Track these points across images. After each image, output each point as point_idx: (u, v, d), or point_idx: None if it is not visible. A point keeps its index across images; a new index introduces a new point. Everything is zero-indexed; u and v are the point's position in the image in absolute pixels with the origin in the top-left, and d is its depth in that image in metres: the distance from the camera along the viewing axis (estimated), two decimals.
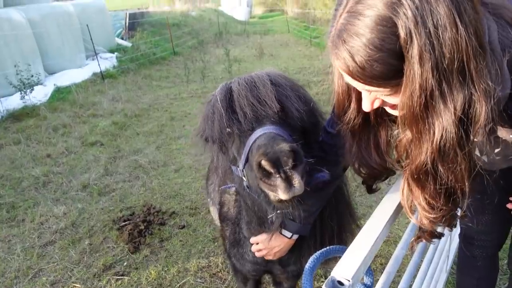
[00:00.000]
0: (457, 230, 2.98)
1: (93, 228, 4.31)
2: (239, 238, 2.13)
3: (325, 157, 1.70)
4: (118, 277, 3.55)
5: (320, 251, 1.14)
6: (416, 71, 0.89)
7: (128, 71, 12.11)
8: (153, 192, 4.98)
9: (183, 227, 4.22)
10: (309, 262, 1.09)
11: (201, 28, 22.01)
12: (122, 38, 16.42)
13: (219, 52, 15.98)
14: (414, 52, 0.88)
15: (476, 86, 0.89)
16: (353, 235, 2.18)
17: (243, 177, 1.55)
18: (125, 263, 3.72)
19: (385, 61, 0.92)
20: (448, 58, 0.86)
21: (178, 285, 3.40)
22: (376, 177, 1.47)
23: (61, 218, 4.51)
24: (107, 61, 12.62)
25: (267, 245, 1.88)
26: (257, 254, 1.97)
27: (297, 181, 1.23)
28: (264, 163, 1.23)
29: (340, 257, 1.08)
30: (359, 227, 2.21)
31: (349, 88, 1.20)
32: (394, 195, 1.38)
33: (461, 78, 0.89)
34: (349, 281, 0.93)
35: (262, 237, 1.90)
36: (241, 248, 2.16)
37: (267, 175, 1.25)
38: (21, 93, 8.42)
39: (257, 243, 1.94)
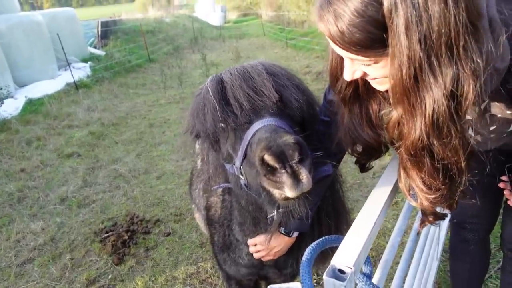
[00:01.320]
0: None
1: (74, 242, 4.12)
2: (230, 241, 2.02)
3: (320, 147, 1.66)
4: None
5: (316, 241, 1.09)
6: (403, 42, 0.87)
7: (103, 80, 11.82)
8: (135, 201, 4.83)
9: (169, 234, 4.10)
10: (305, 254, 1.03)
11: (176, 34, 21.80)
12: (95, 47, 16.05)
13: (195, 57, 15.84)
14: (399, 22, 0.86)
15: (464, 64, 0.87)
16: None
17: (240, 175, 1.45)
18: (109, 276, 3.57)
19: (365, 28, 0.91)
20: (436, 32, 0.84)
21: None
22: (370, 153, 1.45)
23: (39, 234, 4.31)
24: (81, 71, 12.28)
25: (266, 245, 1.79)
26: (256, 256, 1.88)
27: (305, 176, 1.14)
28: (267, 157, 1.14)
29: (336, 247, 1.03)
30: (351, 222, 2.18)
31: (340, 56, 1.17)
32: (388, 178, 1.35)
33: (449, 54, 0.87)
34: (350, 268, 0.88)
35: (260, 238, 1.81)
36: (232, 253, 2.04)
37: (271, 171, 1.15)
38: None
39: (255, 244, 1.85)
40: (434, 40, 0.85)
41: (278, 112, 1.42)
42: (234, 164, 1.48)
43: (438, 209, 1.29)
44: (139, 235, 4.09)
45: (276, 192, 1.22)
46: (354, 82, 1.24)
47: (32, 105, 9.09)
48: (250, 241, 1.87)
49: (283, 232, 1.78)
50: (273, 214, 1.58)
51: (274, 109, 1.41)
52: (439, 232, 2.74)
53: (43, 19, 12.01)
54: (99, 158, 6.26)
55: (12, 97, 9.46)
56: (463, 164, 1.03)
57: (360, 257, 0.94)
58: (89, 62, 13.32)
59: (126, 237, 4.02)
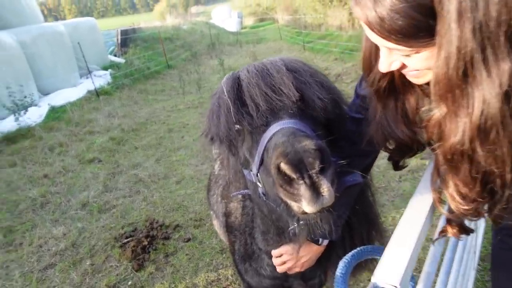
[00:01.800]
0: (481, 224, 2.81)
1: (94, 247, 4.11)
2: (252, 250, 1.88)
3: (351, 148, 1.55)
4: None
5: (350, 253, 0.97)
6: (454, 31, 0.76)
7: (123, 87, 11.98)
8: (155, 206, 4.80)
9: (189, 240, 4.03)
10: (339, 268, 0.91)
11: (193, 40, 22.00)
12: (115, 55, 16.35)
13: (213, 63, 15.91)
14: (451, 8, 0.75)
15: None
16: (382, 240, 2.00)
17: (258, 183, 1.32)
18: (129, 282, 3.52)
19: (409, 14, 0.80)
20: (494, 19, 0.73)
21: None
22: (404, 151, 1.33)
23: (61, 239, 4.32)
24: (101, 79, 12.50)
25: (293, 256, 1.66)
26: (281, 269, 1.74)
27: (326, 188, 1.00)
28: (284, 166, 1.01)
29: (372, 259, 0.91)
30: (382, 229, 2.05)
31: (375, 45, 1.06)
32: (428, 182, 1.22)
33: (509, 46, 0.75)
34: (396, 287, 0.77)
35: (286, 248, 1.67)
36: (254, 263, 1.90)
37: (288, 181, 1.03)
38: (14, 115, 8.27)
39: (281, 255, 1.71)
40: (492, 29, 0.74)
41: (299, 113, 1.29)
42: (251, 171, 1.36)
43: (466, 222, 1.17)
44: (158, 241, 4.04)
45: (294, 205, 1.09)
46: (390, 74, 1.13)
47: (55, 113, 9.27)
48: (275, 252, 1.73)
49: (311, 240, 1.66)
50: (294, 226, 1.46)
51: (295, 109, 1.28)
52: (476, 239, 2.55)
53: (65, 29, 12.31)
54: (119, 164, 6.28)
55: (36, 105, 9.69)
56: (508, 177, 0.89)
57: (406, 274, 0.82)
58: (109, 70, 13.55)
59: (146, 243, 3.97)
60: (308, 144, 1.02)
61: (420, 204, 1.08)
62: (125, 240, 4.09)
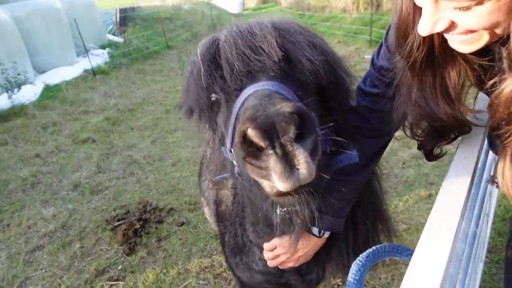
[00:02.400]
0: (490, 215, 2.64)
1: (84, 230, 3.96)
2: (243, 243, 1.69)
3: (365, 126, 1.35)
4: (113, 283, 3.21)
5: (364, 254, 0.78)
6: None
7: (121, 67, 11.69)
8: (149, 188, 4.63)
9: (182, 224, 3.88)
10: (352, 273, 0.73)
11: (194, 21, 21.50)
12: (113, 34, 15.95)
13: None
14: None
15: None
16: (389, 234, 1.82)
17: (233, 161, 1.11)
18: (119, 267, 3.38)
19: None
20: None
21: None
22: (441, 135, 1.13)
23: (50, 221, 4.16)
24: (99, 58, 12.18)
25: (288, 249, 1.47)
26: (272, 263, 1.55)
27: (302, 160, 0.79)
28: (250, 132, 0.80)
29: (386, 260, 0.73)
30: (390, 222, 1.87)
31: (415, 4, 0.85)
32: (459, 171, 1.03)
33: None
34: None
35: (280, 240, 1.48)
36: (246, 256, 1.71)
37: (255, 153, 0.82)
38: (7, 93, 8.03)
39: (274, 248, 1.52)
40: None
41: (282, 76, 1.07)
42: (226, 146, 1.16)
43: None
44: (151, 224, 3.89)
45: (265, 184, 0.87)
46: (428, 42, 0.93)
47: (49, 91, 9.03)
48: (267, 245, 1.53)
49: (312, 231, 1.46)
50: (276, 215, 1.23)
51: (277, 71, 1.06)
52: (487, 231, 2.38)
53: (62, 5, 11.92)
54: (114, 144, 6.10)
55: (30, 83, 9.44)
56: None
57: (444, 283, 0.63)
58: (107, 49, 13.22)
59: (138, 226, 3.82)
60: (284, 106, 0.80)
61: (450, 199, 0.89)
62: (117, 223, 3.93)
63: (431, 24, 0.78)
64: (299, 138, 0.81)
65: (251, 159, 0.82)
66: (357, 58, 9.68)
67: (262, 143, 0.79)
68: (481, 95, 1.27)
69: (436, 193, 3.40)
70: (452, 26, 0.78)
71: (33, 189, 4.92)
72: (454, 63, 0.96)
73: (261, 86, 0.98)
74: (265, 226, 1.50)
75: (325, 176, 0.97)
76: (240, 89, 1.05)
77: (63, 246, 3.75)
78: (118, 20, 16.62)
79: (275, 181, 0.81)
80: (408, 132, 1.23)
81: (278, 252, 1.51)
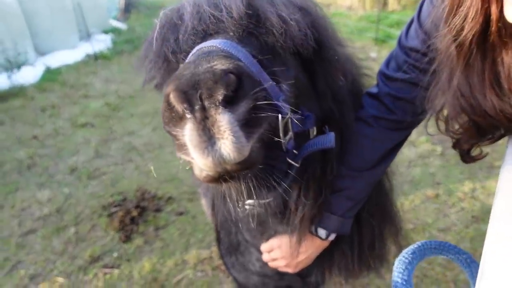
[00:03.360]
0: None
1: (80, 215, 3.85)
2: (237, 241, 1.57)
3: (387, 117, 1.22)
4: (107, 270, 3.11)
5: (409, 249, 0.68)
6: None
7: (123, 53, 11.51)
8: (147, 176, 4.52)
9: (181, 213, 3.77)
10: (399, 271, 0.62)
11: None
12: (117, 21, 15.76)
13: None
14: None
15: None
16: (397, 239, 1.71)
17: None
18: (115, 254, 3.28)
19: None
20: None
21: (175, 279, 2.96)
22: (482, 133, 0.96)
23: (45, 204, 4.05)
24: (101, 43, 11.99)
25: (287, 253, 1.33)
26: (271, 265, 1.43)
27: (224, 129, 0.63)
28: (172, 95, 0.64)
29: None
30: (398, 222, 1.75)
31: None
32: None
33: None
34: None
35: (279, 241, 1.34)
36: (241, 256, 1.59)
37: (174, 118, 0.66)
38: (7, 72, 7.88)
39: (271, 250, 1.39)
40: None
41: (244, 37, 0.89)
42: None
43: None
44: (149, 213, 3.78)
45: (193, 165, 0.73)
46: (485, 14, 0.78)
47: (50, 74, 8.87)
48: (264, 247, 1.40)
49: (318, 233, 1.32)
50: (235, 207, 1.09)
51: (239, 32, 0.88)
52: None
53: None
54: (113, 130, 5.96)
55: (31, 64, 9.27)
56: None
57: None
58: (110, 34, 13.04)
59: (136, 214, 3.71)
60: (219, 63, 0.65)
61: None
62: (113, 210, 3.83)
63: None
64: (231, 104, 0.64)
65: (170, 126, 0.67)
66: (362, 55, 9.54)
67: (179, 106, 0.63)
68: None
69: (443, 193, 3.29)
70: None
71: (28, 171, 4.79)
72: (510, 46, 0.80)
73: (208, 43, 0.82)
74: (257, 224, 1.32)
75: (294, 163, 0.83)
76: (190, 51, 0.89)
77: (57, 230, 3.64)
78: (123, 6, 16.43)
79: (191, 154, 0.65)
80: (442, 128, 1.07)
81: (276, 255, 1.37)
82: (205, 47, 0.81)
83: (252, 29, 0.90)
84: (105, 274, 3.08)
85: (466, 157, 1.06)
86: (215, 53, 0.74)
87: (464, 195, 3.65)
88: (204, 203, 2.22)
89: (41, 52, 10.44)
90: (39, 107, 6.86)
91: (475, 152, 1.05)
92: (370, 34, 11.33)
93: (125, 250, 3.33)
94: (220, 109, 0.63)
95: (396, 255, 1.75)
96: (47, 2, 10.76)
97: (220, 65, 0.65)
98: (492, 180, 3.77)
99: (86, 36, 11.60)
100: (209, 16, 0.89)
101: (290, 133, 0.80)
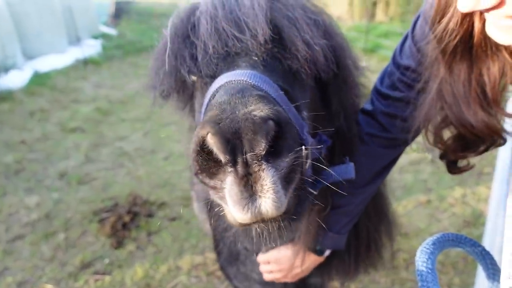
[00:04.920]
0: None
1: (70, 220, 3.77)
2: (237, 250, 1.53)
3: (382, 135, 1.21)
4: (98, 277, 3.04)
5: (430, 240, 0.68)
6: None
7: (113, 58, 11.44)
8: (139, 181, 4.46)
9: (174, 219, 3.73)
10: (422, 261, 0.63)
11: None
12: (107, 26, 15.69)
13: None
14: None
15: None
16: (393, 245, 1.72)
17: None
18: (106, 260, 3.21)
19: None
20: None
21: (169, 285, 2.92)
22: (468, 145, 0.98)
23: (33, 209, 3.95)
24: (91, 48, 11.91)
25: (284, 266, 1.34)
26: (267, 277, 1.43)
27: (267, 188, 0.62)
28: (209, 139, 0.62)
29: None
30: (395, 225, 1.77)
31: None
32: None
33: None
34: None
35: (277, 253, 1.34)
36: (243, 266, 1.56)
37: (211, 167, 0.64)
38: None
39: (268, 262, 1.40)
40: None
41: (269, 62, 0.85)
42: None
43: None
44: (141, 218, 3.72)
45: (226, 210, 0.70)
46: (467, 26, 0.79)
47: (38, 78, 8.74)
48: (261, 259, 1.40)
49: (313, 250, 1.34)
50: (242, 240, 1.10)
51: (263, 56, 0.85)
52: None
53: None
54: (104, 135, 5.89)
55: (19, 68, 9.13)
56: None
57: None
58: (100, 39, 12.96)
59: (127, 219, 3.65)
60: (257, 109, 0.62)
61: None
62: (105, 215, 3.76)
63: None
64: (272, 156, 0.62)
65: (204, 176, 0.64)
66: None
67: (221, 157, 0.61)
68: None
69: (435, 199, 3.33)
70: (501, 3, 0.63)
71: (16, 176, 4.68)
72: (496, 57, 0.81)
73: (236, 75, 0.78)
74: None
75: (312, 192, 0.80)
76: (214, 76, 0.85)
77: (46, 236, 3.55)
78: (113, 12, 16.38)
79: (230, 208, 0.64)
80: (430, 138, 1.07)
81: (274, 268, 1.37)
82: (234, 81, 0.77)
83: (276, 53, 0.87)
84: (96, 280, 3.01)
85: (453, 168, 1.08)
86: (248, 92, 0.70)
87: (455, 201, 3.70)
88: (196, 208, 2.18)
89: (29, 56, 10.29)
90: (28, 111, 6.74)
91: (462, 163, 1.06)
92: (359, 44, 11.51)
93: (117, 256, 3.26)
94: (263, 165, 0.61)
95: (392, 256, 1.77)
96: (36, 5, 10.64)
97: (259, 111, 0.63)
98: (482, 186, 3.83)
99: (75, 40, 11.51)
100: (232, 39, 0.84)
101: (309, 161, 0.77)
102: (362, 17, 14.02)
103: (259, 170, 0.61)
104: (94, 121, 6.46)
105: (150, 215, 3.77)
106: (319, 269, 1.54)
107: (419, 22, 1.13)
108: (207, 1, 0.95)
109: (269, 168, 0.62)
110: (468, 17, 0.78)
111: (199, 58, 0.87)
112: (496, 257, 0.85)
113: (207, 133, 0.62)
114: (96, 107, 7.07)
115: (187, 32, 0.92)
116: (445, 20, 0.82)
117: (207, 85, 0.87)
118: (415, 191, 3.91)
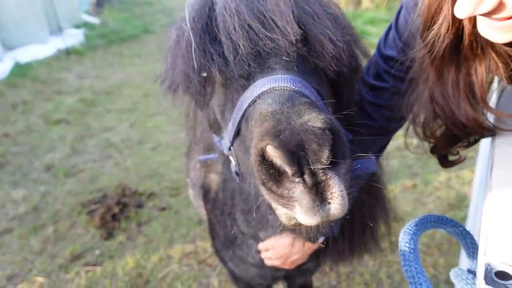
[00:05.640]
0: None
1: (58, 213, 3.74)
2: (234, 235, 1.56)
3: (370, 124, 1.22)
4: (89, 268, 3.04)
5: (413, 222, 0.72)
6: None
7: (96, 48, 11.20)
8: (127, 172, 4.44)
9: (164, 209, 3.74)
10: (405, 241, 0.67)
11: (175, 7, 20.97)
12: (89, 15, 15.30)
13: None
14: None
15: None
16: (389, 230, 1.76)
17: (231, 158, 0.96)
18: (97, 252, 3.21)
19: None
20: None
21: (161, 274, 2.94)
22: (457, 140, 1.02)
23: (21, 203, 3.91)
24: (73, 38, 11.61)
25: (282, 254, 1.39)
26: (267, 263, 1.48)
27: (336, 194, 0.66)
28: (272, 152, 0.65)
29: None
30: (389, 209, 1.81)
31: None
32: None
33: None
34: None
35: (274, 242, 1.38)
36: (239, 249, 1.58)
37: (276, 176, 0.66)
38: None
39: (267, 250, 1.44)
40: None
41: (298, 62, 0.86)
42: (222, 139, 0.98)
43: None
44: (131, 209, 3.72)
45: (281, 212, 0.72)
46: (456, 30, 0.81)
47: (19, 69, 8.52)
48: (261, 246, 1.45)
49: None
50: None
51: (292, 56, 0.85)
52: None
53: None
54: (90, 126, 5.81)
55: None
56: None
57: None
58: (82, 29, 12.65)
59: (117, 210, 3.64)
60: (314, 119, 0.65)
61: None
62: (93, 207, 3.74)
63: (474, 3, 0.64)
64: (332, 163, 0.66)
65: (271, 184, 0.66)
66: None
67: (287, 169, 0.63)
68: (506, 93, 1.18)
69: (421, 183, 3.41)
70: (499, 7, 0.64)
71: (1, 170, 4.60)
72: (483, 56, 0.84)
73: (279, 81, 0.78)
74: (258, 215, 1.36)
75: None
76: (247, 77, 0.84)
77: (35, 229, 3.52)
78: (94, 0, 15.96)
79: (299, 215, 0.67)
80: (420, 133, 1.10)
81: (272, 255, 1.43)
82: (278, 87, 0.78)
83: (304, 53, 0.87)
84: (88, 272, 3.01)
85: (445, 162, 1.13)
86: (297, 100, 0.73)
87: (440, 185, 3.80)
88: (191, 193, 2.19)
89: (9, 47, 9.99)
90: (10, 103, 6.59)
91: (453, 157, 1.11)
92: None
93: (107, 247, 3.26)
94: (329, 174, 0.65)
95: (387, 239, 1.81)
96: None
97: (316, 121, 0.66)
98: (466, 170, 3.93)
99: (57, 30, 11.21)
100: (262, 38, 0.83)
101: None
102: (348, 4, 14.00)
103: (326, 178, 0.65)
104: (79, 112, 6.36)
105: (139, 206, 3.76)
106: (316, 254, 1.58)
107: (402, 13, 1.16)
108: None
109: (334, 175, 0.66)
110: (457, 20, 0.79)
111: (229, 58, 0.85)
112: (477, 238, 0.89)
113: (267, 145, 0.65)
114: (81, 98, 6.94)
115: (206, 26, 0.90)
116: (436, 26, 0.83)
117: (238, 86, 0.87)
118: (401, 176, 4.00)
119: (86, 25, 13.38)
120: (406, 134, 1.22)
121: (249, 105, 0.81)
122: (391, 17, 1.26)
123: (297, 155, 0.64)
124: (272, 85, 0.78)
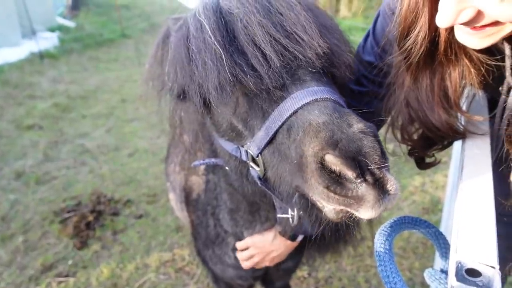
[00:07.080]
0: None
1: (29, 222, 3.59)
2: (216, 233, 1.59)
3: (365, 98, 1.27)
4: (61, 279, 2.93)
5: (388, 223, 0.74)
6: None
7: (71, 52, 10.94)
8: (103, 179, 4.33)
9: (141, 216, 3.65)
10: (380, 243, 0.68)
11: (152, 11, 20.79)
12: (64, 17, 14.95)
13: None
14: None
15: None
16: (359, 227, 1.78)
17: (253, 165, 0.97)
18: (69, 262, 3.10)
19: None
20: None
21: (137, 283, 2.86)
22: (432, 142, 1.07)
23: None
24: (47, 41, 11.31)
25: (262, 249, 1.41)
26: (246, 264, 1.49)
27: (393, 184, 0.75)
28: (334, 160, 0.72)
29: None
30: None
31: None
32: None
33: None
34: (493, 268, 0.52)
35: (254, 239, 1.42)
36: (218, 248, 1.61)
37: (336, 180, 0.74)
38: None
39: (246, 248, 1.47)
40: None
41: (323, 73, 0.95)
42: (242, 146, 0.99)
43: None
44: (106, 217, 3.62)
45: (331, 210, 0.78)
46: (432, 38, 0.84)
47: None
48: (240, 244, 1.47)
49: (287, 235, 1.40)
50: (288, 216, 1.16)
51: (317, 68, 0.93)
52: None
53: None
54: (64, 132, 5.65)
55: None
56: None
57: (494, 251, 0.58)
58: (56, 32, 12.34)
59: (91, 218, 3.54)
60: (363, 127, 0.76)
61: (476, 168, 0.83)
62: (67, 215, 3.62)
63: (454, 14, 0.68)
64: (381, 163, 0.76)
65: (335, 187, 0.73)
66: None
67: (350, 173, 0.71)
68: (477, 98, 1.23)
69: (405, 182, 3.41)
70: (478, 16, 0.68)
71: None
72: (457, 62, 0.88)
73: (319, 93, 0.86)
74: (246, 213, 1.41)
75: None
76: (281, 88, 0.89)
77: (3, 239, 3.37)
78: (70, 3, 15.63)
79: (363, 211, 0.74)
80: (398, 136, 1.16)
81: (252, 252, 1.45)
82: (319, 99, 0.85)
83: (326, 65, 0.95)
84: (59, 283, 2.90)
85: (422, 164, 1.18)
86: (342, 110, 0.82)
87: (415, 189, 3.89)
88: (172, 197, 2.16)
89: None
90: None
91: (430, 159, 1.17)
92: None
93: (81, 257, 3.16)
94: (384, 170, 0.74)
95: (365, 244, 1.82)
96: None
97: (365, 128, 0.76)
98: (439, 175, 4.05)
99: (30, 33, 10.88)
100: (292, 52, 0.89)
101: None
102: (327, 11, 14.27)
103: (383, 175, 0.74)
104: (52, 117, 6.17)
105: (115, 214, 3.67)
106: (295, 253, 1.58)
107: (379, 20, 1.20)
108: (234, 3, 0.96)
109: (387, 171, 0.75)
110: (434, 29, 0.82)
111: (261, 69, 0.88)
112: (450, 239, 0.91)
113: (325, 154, 0.74)
114: (54, 103, 6.75)
115: (230, 40, 0.92)
116: (413, 35, 0.86)
117: (270, 97, 0.90)
118: None
119: (61, 28, 13.07)
120: (384, 140, 1.25)
121: (290, 115, 0.86)
122: (367, 25, 1.31)
123: (359, 160, 0.73)
124: (314, 97, 0.85)
